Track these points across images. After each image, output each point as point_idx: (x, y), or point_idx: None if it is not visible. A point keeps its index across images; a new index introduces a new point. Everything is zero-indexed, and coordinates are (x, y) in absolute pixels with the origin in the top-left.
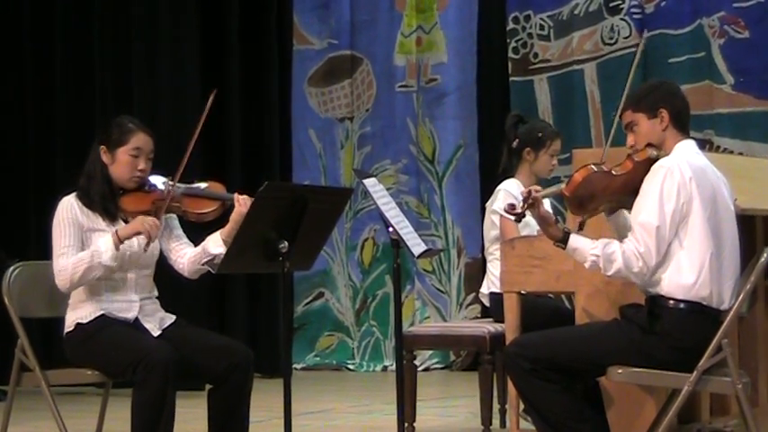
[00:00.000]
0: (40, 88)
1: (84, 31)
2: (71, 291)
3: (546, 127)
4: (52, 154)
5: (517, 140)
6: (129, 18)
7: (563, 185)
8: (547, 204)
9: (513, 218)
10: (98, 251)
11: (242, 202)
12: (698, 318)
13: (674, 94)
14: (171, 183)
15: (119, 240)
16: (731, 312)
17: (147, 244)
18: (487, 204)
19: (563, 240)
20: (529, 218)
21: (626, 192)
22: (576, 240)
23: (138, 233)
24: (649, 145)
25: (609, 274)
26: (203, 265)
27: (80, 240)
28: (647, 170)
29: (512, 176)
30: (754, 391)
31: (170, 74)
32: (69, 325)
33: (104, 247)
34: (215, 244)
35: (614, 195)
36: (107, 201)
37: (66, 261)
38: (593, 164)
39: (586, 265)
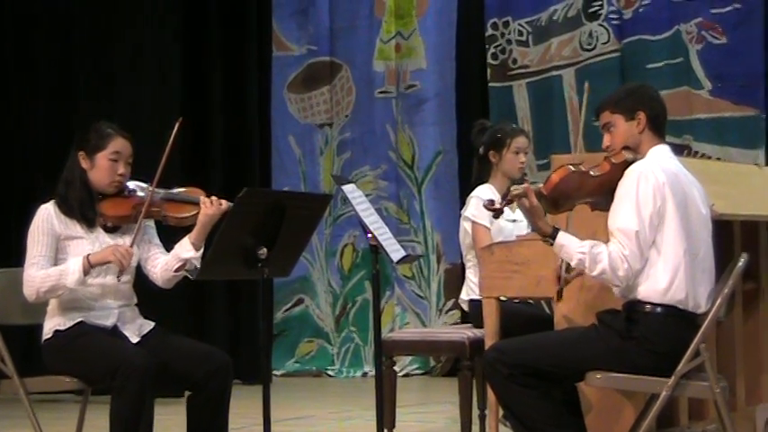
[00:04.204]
0: (20, 95)
1: (65, 40)
2: (37, 302)
3: (504, 126)
4: (33, 161)
5: (482, 147)
6: (110, 22)
7: (541, 185)
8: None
9: (491, 214)
10: (66, 272)
11: (208, 204)
12: (675, 322)
13: (652, 97)
14: (150, 188)
15: (89, 266)
16: (709, 317)
17: (120, 273)
18: (461, 212)
19: (552, 236)
20: (503, 223)
21: (602, 192)
22: (564, 237)
23: (109, 262)
24: (626, 148)
25: (593, 274)
26: (176, 271)
27: (54, 250)
28: (624, 172)
29: (485, 183)
30: (732, 395)
31: (151, 80)
32: (47, 332)
33: (72, 269)
34: (184, 249)
35: (590, 196)
36: (85, 207)
37: (36, 272)
38: (571, 164)
39: (572, 263)
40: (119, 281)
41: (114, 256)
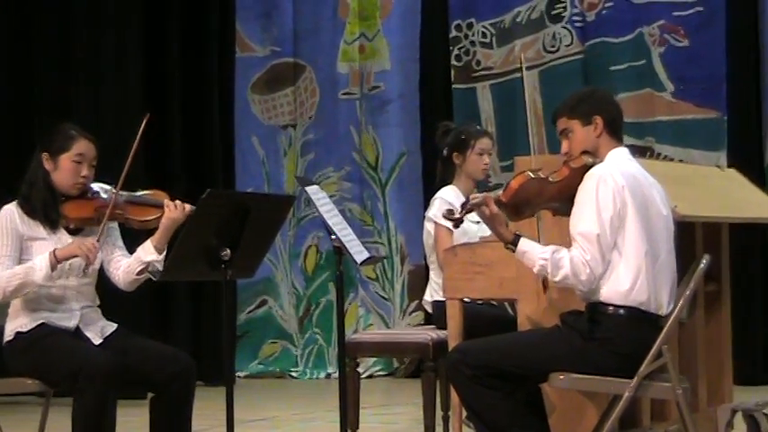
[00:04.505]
0: None
1: (24, 37)
2: (3, 302)
3: (468, 128)
4: None
5: (446, 148)
6: (70, 20)
7: (500, 192)
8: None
9: (451, 224)
10: (33, 269)
11: (172, 208)
12: (637, 323)
13: (607, 101)
14: (114, 191)
15: (55, 261)
16: (672, 318)
17: (86, 267)
18: (425, 213)
19: (513, 243)
20: (467, 225)
21: (562, 198)
22: (526, 244)
23: (75, 256)
24: (585, 152)
25: (556, 279)
26: (138, 274)
27: (18, 250)
28: (583, 177)
29: (449, 184)
30: (694, 396)
31: (112, 82)
32: (9, 334)
33: (40, 265)
34: (146, 252)
35: (551, 201)
36: (48, 208)
37: (1, 273)
38: (530, 171)
39: (534, 269)
40: (85, 273)
41: (81, 249)
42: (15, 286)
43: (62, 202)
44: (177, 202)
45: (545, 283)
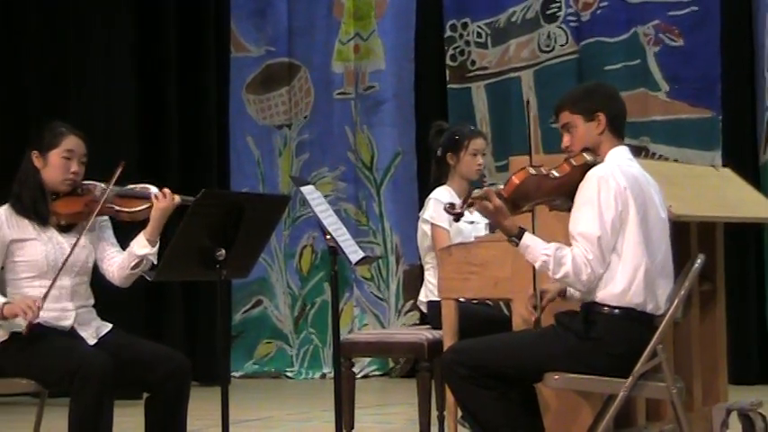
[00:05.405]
0: None
1: (16, 41)
2: None
3: (462, 128)
4: None
5: (440, 148)
6: (62, 23)
7: (501, 187)
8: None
9: (452, 217)
10: None
11: (160, 198)
12: (632, 323)
13: (612, 97)
14: (104, 186)
15: (1, 316)
16: (666, 317)
17: (27, 327)
18: (420, 214)
19: (518, 236)
20: (462, 225)
21: (561, 194)
22: (529, 238)
23: (17, 315)
24: (586, 149)
25: (557, 276)
26: (133, 269)
27: (2, 254)
28: (584, 174)
29: (443, 184)
30: (688, 395)
31: (105, 83)
32: (3, 334)
33: None
34: (140, 245)
35: (549, 196)
36: (38, 204)
37: None
38: (532, 166)
39: (536, 264)
40: (24, 334)
41: (20, 308)
42: None
43: (53, 200)
44: (165, 190)
45: (537, 322)
